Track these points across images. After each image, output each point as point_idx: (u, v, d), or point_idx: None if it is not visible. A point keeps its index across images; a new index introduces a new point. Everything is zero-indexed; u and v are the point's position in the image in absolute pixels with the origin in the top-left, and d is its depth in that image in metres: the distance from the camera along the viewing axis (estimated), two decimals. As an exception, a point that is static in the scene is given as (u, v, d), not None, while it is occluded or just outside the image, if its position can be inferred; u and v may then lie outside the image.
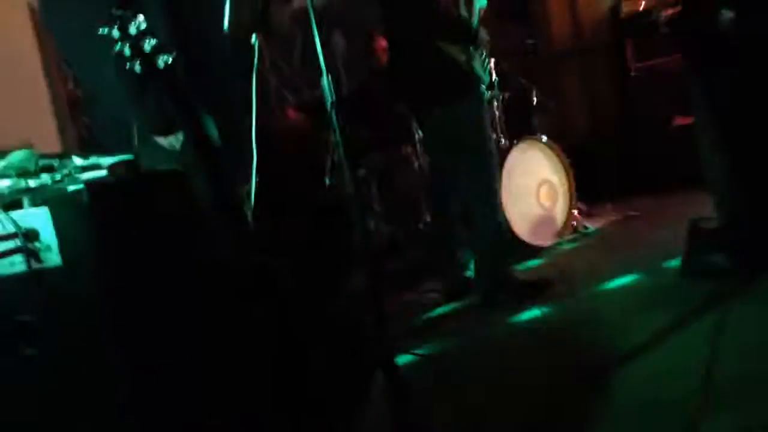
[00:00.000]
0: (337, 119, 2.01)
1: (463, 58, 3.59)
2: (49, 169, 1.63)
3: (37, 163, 1.67)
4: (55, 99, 4.27)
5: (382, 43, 5.26)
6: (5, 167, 1.67)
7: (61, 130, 4.38)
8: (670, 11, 6.06)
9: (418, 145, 4.97)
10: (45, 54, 4.19)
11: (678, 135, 5.82)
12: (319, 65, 2.05)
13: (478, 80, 3.66)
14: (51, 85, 4.23)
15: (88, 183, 1.39)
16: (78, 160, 1.57)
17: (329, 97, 2.00)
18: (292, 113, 6.02)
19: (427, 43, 3.58)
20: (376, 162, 5.09)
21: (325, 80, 1.98)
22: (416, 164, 5.09)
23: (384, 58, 5.30)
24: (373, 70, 5.47)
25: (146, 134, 2.04)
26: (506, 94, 5.11)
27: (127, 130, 2.13)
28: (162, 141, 2.10)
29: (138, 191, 1.55)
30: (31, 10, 4.22)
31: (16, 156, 1.69)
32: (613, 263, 3.84)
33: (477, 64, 3.66)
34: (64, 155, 1.64)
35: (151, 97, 2.04)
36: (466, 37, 3.61)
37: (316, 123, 5.57)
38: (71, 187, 1.41)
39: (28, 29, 4.14)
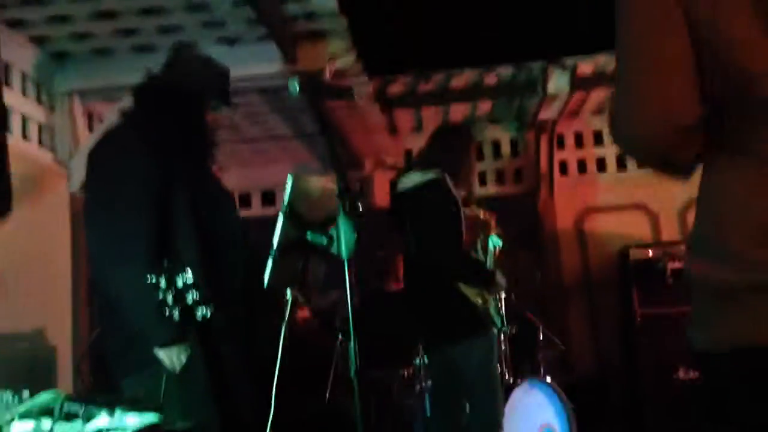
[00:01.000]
0: (354, 333, 2.01)
1: (479, 301, 3.67)
2: (73, 417, 1.64)
3: (62, 407, 1.68)
4: (75, 288, 4.38)
5: (400, 263, 5.40)
6: (30, 406, 1.68)
7: (75, 314, 4.45)
8: (676, 263, 6.34)
9: (420, 370, 4.94)
10: (75, 248, 4.34)
11: (681, 387, 5.82)
12: (334, 275, 2.11)
13: (491, 324, 3.72)
14: (75, 275, 4.35)
15: (113, 452, 1.40)
16: (103, 419, 1.57)
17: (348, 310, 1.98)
18: (302, 317, 6.05)
19: (445, 282, 3.67)
20: (376, 379, 5.04)
21: (348, 297, 1.99)
22: (417, 388, 5.05)
23: (399, 278, 5.43)
24: (385, 286, 5.57)
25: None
26: (513, 328, 5.14)
27: (132, 347, 2.14)
28: (163, 356, 2.08)
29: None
30: (72, 202, 4.44)
31: (43, 396, 1.70)
32: None
33: (492, 308, 3.74)
34: (89, 402, 1.65)
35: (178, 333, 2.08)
36: (484, 280, 3.71)
37: (326, 331, 5.60)
38: (95, 454, 1.42)
39: (66, 222, 4.34)
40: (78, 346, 4.39)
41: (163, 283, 1.86)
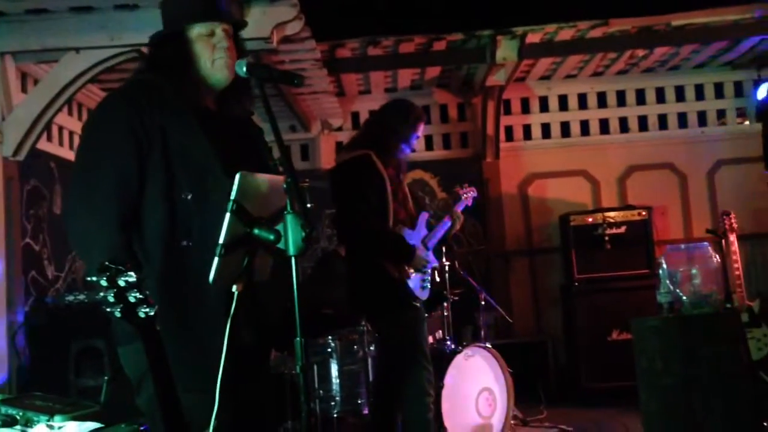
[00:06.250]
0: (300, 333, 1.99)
1: (396, 275, 3.67)
2: (12, 423, 1.61)
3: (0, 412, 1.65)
4: (9, 257, 4.26)
5: None
6: (-34, 412, 1.65)
7: (9, 284, 4.33)
8: (614, 229, 6.50)
9: (365, 335, 4.98)
10: (9, 215, 4.21)
11: (614, 348, 6.04)
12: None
13: (413, 297, 3.73)
14: (8, 244, 4.23)
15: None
16: (41, 427, 1.55)
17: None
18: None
19: (364, 256, 3.70)
20: (318, 345, 5.09)
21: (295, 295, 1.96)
22: (360, 353, 5.10)
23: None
24: (338, 249, 5.55)
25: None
26: (454, 295, 5.19)
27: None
28: None
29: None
30: (5, 167, 4.28)
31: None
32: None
33: (413, 281, 3.74)
34: (27, 408, 1.62)
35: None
36: (403, 255, 3.70)
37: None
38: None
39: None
40: (13, 316, 4.28)
41: (104, 282, 1.82)
